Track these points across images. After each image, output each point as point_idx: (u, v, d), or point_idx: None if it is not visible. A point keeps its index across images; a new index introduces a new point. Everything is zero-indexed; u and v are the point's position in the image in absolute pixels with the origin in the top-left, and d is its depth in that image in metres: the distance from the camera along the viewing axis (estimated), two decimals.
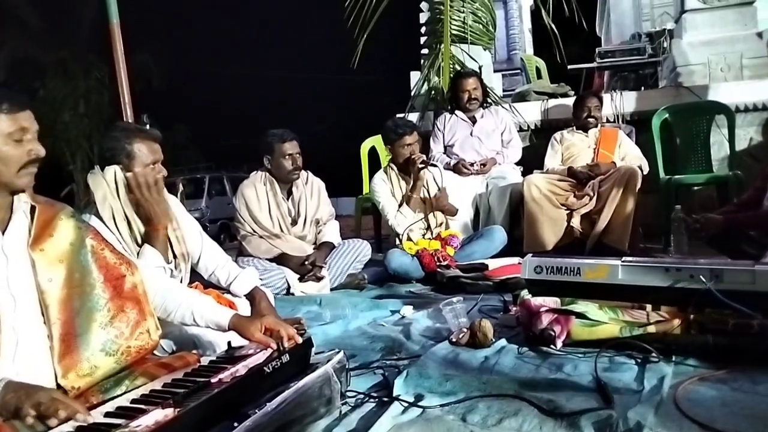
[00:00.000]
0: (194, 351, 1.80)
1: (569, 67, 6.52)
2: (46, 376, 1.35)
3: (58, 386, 1.37)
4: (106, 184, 1.99)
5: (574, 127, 4.32)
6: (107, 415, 1.22)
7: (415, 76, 5.60)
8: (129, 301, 1.54)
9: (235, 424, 1.18)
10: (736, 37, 4.97)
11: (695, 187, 4.47)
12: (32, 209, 1.46)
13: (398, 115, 4.81)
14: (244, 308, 2.20)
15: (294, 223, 3.45)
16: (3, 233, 1.38)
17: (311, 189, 3.52)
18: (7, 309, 1.31)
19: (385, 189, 3.78)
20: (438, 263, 3.36)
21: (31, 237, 1.41)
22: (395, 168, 3.81)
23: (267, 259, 3.28)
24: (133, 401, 1.29)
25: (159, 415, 1.14)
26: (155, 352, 1.63)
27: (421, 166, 3.62)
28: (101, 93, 16.60)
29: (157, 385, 1.38)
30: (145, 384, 1.41)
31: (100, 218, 1.95)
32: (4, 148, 1.35)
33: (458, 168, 4.24)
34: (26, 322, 1.35)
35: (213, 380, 1.33)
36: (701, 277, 1.77)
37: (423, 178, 3.68)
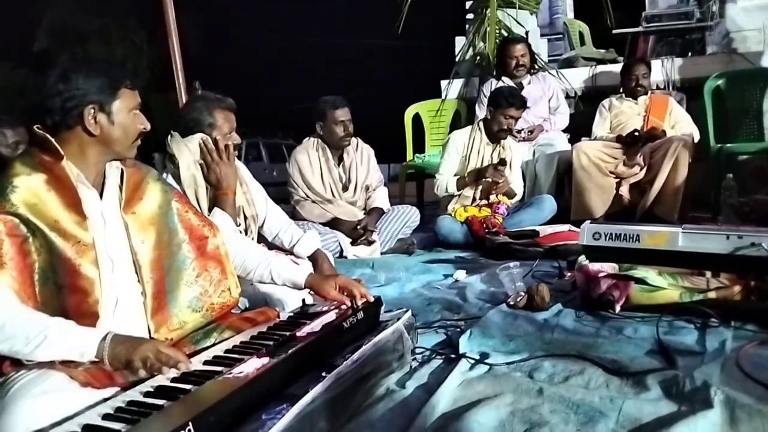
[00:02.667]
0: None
1: (614, 31, 6.38)
2: (141, 331, 1.46)
3: (151, 339, 1.48)
4: (188, 151, 2.08)
5: (623, 94, 4.27)
6: (206, 363, 1.32)
7: (459, 42, 5.56)
8: (212, 261, 1.64)
9: (324, 374, 1.27)
10: None
11: (746, 156, 4.39)
12: (121, 173, 1.55)
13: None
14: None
15: (345, 188, 3.53)
16: (101, 197, 1.47)
17: (361, 155, 3.58)
18: (106, 270, 1.41)
19: (458, 146, 3.75)
20: (487, 230, 3.41)
21: (123, 200, 1.50)
22: (483, 131, 3.76)
23: (320, 223, 3.37)
24: (227, 351, 1.39)
25: (256, 363, 1.23)
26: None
27: (499, 166, 3.61)
28: (139, 58, 16.80)
29: (244, 337, 1.48)
30: (232, 336, 1.51)
31: (179, 183, 2.05)
32: (127, 120, 1.46)
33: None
34: (123, 282, 1.45)
35: (299, 334, 1.42)
36: (763, 245, 1.78)
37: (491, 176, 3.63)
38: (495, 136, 3.70)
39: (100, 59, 1.71)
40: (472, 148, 3.73)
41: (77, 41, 16.42)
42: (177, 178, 2.05)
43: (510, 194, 3.74)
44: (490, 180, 3.59)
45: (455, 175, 3.74)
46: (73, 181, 1.39)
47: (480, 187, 3.67)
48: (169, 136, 2.13)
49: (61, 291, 1.32)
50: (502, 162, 3.61)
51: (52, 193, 1.35)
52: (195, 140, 2.11)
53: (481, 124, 3.80)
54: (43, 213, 1.33)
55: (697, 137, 3.94)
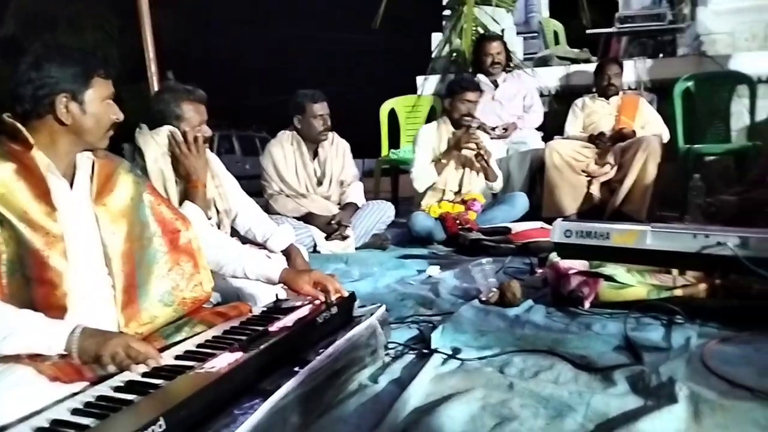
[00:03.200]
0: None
1: (588, 31, 6.46)
2: (110, 324, 1.44)
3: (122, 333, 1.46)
4: (155, 144, 2.05)
5: (596, 94, 4.33)
6: (177, 357, 1.31)
7: (436, 38, 5.57)
8: (184, 255, 1.62)
9: (297, 369, 1.27)
10: (763, 5, 4.90)
11: (714, 157, 4.50)
12: (92, 164, 1.53)
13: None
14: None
15: (319, 183, 3.52)
16: (71, 188, 1.44)
17: (336, 150, 3.58)
18: (75, 262, 1.38)
19: (428, 140, 3.75)
20: (460, 226, 3.43)
21: (94, 192, 1.48)
22: (449, 122, 3.77)
23: (294, 218, 3.36)
24: (199, 345, 1.38)
25: (228, 358, 1.23)
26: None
27: (469, 124, 3.62)
28: (110, 46, 16.47)
29: (216, 332, 1.47)
30: (204, 331, 1.49)
31: (147, 175, 2.02)
32: (100, 110, 1.43)
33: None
34: (92, 275, 1.43)
35: (272, 329, 1.42)
36: (729, 244, 1.83)
37: (461, 147, 3.65)
38: (458, 123, 3.70)
39: (74, 47, 1.67)
40: (440, 139, 3.75)
41: (46, 28, 16.02)
42: (145, 171, 2.02)
43: (492, 174, 3.73)
44: (466, 144, 3.60)
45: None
46: (43, 171, 1.37)
47: (462, 174, 3.69)
48: (138, 129, 2.10)
49: (29, 283, 1.30)
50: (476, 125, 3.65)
51: (21, 183, 1.32)
52: (162, 132, 2.08)
53: (445, 116, 3.82)
54: (12, 203, 1.30)
55: (666, 137, 4.02)
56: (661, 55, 5.71)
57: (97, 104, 1.43)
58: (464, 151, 3.66)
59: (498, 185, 3.82)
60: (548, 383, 1.44)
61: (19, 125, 1.36)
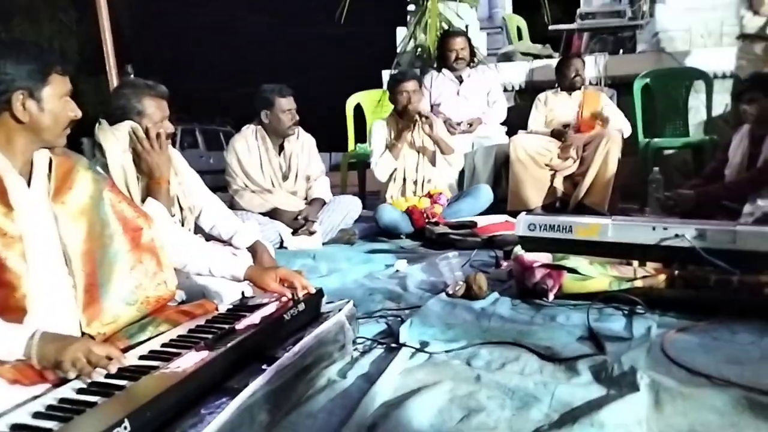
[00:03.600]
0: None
1: (550, 27, 6.55)
2: (71, 325, 1.41)
3: (83, 334, 1.43)
4: (116, 140, 2.01)
5: (559, 89, 4.39)
6: (142, 357, 1.29)
7: (401, 33, 5.59)
8: (147, 253, 1.59)
9: (264, 367, 1.26)
10: (718, 4, 5.05)
11: (672, 151, 4.62)
12: (50, 162, 1.48)
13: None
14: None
15: (285, 178, 3.49)
16: (28, 186, 1.40)
17: (302, 145, 3.55)
18: (34, 263, 1.34)
19: (381, 133, 3.81)
20: (427, 220, 3.46)
21: (52, 190, 1.44)
22: (396, 116, 3.82)
23: (260, 213, 3.33)
24: (164, 345, 1.36)
25: (194, 357, 1.21)
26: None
27: (416, 117, 3.66)
28: (67, 38, 16.05)
29: (181, 330, 1.45)
30: (168, 330, 1.47)
31: (108, 173, 1.97)
32: (57, 108, 1.39)
33: (445, 127, 4.30)
34: (52, 275, 1.39)
35: (238, 326, 1.41)
36: (686, 236, 1.88)
37: (410, 128, 3.72)
38: (404, 114, 3.74)
39: (31, 42, 1.61)
40: (391, 131, 3.81)
41: (1, 19, 15.51)
42: (105, 167, 1.98)
43: (447, 148, 3.78)
44: (411, 113, 3.66)
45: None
46: None
47: (417, 160, 3.74)
48: (97, 124, 2.05)
49: None
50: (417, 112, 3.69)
51: None
52: (123, 128, 2.03)
53: (393, 112, 3.87)
54: None
55: (628, 132, 4.11)
56: (621, 51, 5.84)
57: (55, 101, 1.39)
58: (415, 134, 3.71)
59: (455, 160, 3.86)
60: (514, 374, 1.46)
61: None
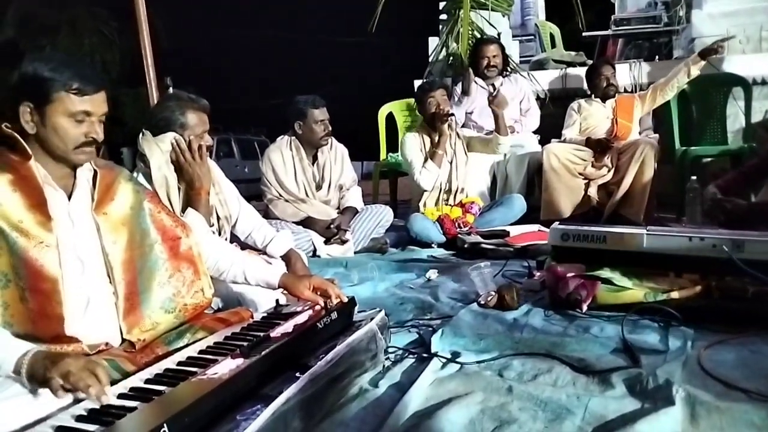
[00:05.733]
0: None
1: (584, 34, 6.49)
2: (113, 332, 1.46)
3: (123, 341, 1.48)
4: (160, 151, 2.06)
5: (592, 96, 4.34)
6: (180, 364, 1.32)
7: (433, 42, 5.60)
8: (185, 261, 1.64)
9: (298, 375, 1.28)
10: (757, 8, 4.94)
11: (710, 159, 4.52)
12: (94, 174, 1.54)
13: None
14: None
15: (318, 188, 3.53)
16: (69, 199, 1.45)
17: (335, 155, 3.59)
18: (74, 271, 1.39)
19: (415, 144, 3.80)
20: (458, 229, 3.45)
21: (95, 201, 1.49)
22: (426, 126, 3.83)
23: (293, 222, 3.37)
24: (201, 352, 1.39)
25: (231, 364, 1.24)
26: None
27: (445, 118, 3.66)
28: (109, 50, 16.49)
29: (218, 338, 1.49)
30: (205, 337, 1.51)
31: (150, 182, 2.03)
32: (64, 125, 1.39)
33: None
34: (94, 283, 1.44)
35: (273, 334, 1.44)
36: (724, 246, 1.85)
37: (447, 133, 3.72)
38: (433, 124, 3.74)
39: (62, 56, 1.63)
40: (423, 142, 3.81)
41: (45, 32, 16.02)
42: (148, 177, 2.03)
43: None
44: (444, 119, 3.68)
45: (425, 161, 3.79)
46: (39, 181, 1.38)
47: (449, 169, 3.76)
48: (141, 135, 2.11)
49: (24, 294, 1.30)
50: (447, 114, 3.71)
51: (17, 194, 1.34)
52: (167, 139, 2.09)
53: (423, 123, 3.88)
54: (7, 214, 1.31)
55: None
56: (657, 57, 5.74)
57: (59, 119, 1.38)
58: (445, 148, 3.74)
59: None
60: (546, 386, 1.46)
61: (17, 135, 1.37)
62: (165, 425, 0.97)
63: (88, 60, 16.24)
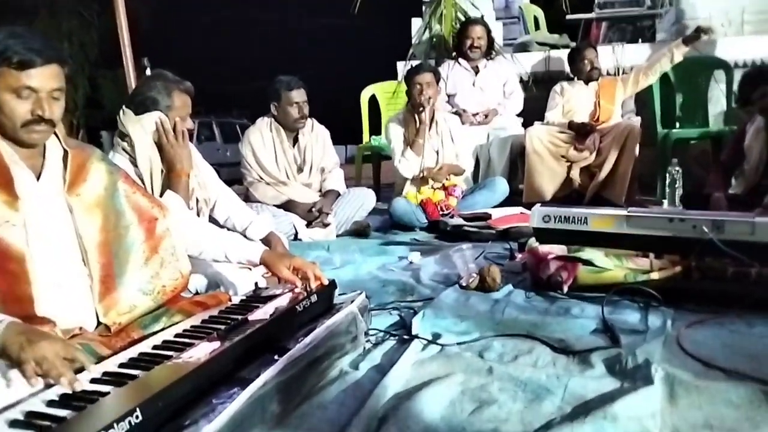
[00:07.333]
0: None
1: (568, 17, 6.48)
2: (88, 316, 1.43)
3: (98, 324, 1.45)
4: (143, 131, 2.02)
5: (575, 79, 4.34)
6: (155, 347, 1.30)
7: (416, 23, 5.55)
8: (161, 243, 1.60)
9: (276, 357, 1.26)
10: None
11: (691, 141, 4.55)
12: (65, 154, 1.49)
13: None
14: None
15: (300, 170, 3.50)
16: (38, 179, 1.41)
17: (317, 137, 3.55)
18: (41, 253, 1.34)
19: (398, 130, 3.77)
20: (441, 212, 3.44)
21: (67, 183, 1.45)
22: (411, 109, 3.78)
23: (274, 205, 3.34)
24: (177, 335, 1.37)
25: (207, 347, 1.22)
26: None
27: (420, 108, 3.62)
28: (87, 32, 16.19)
29: (195, 321, 1.46)
30: (182, 320, 1.48)
31: (130, 162, 1.99)
32: (8, 102, 1.32)
33: (461, 119, 4.27)
34: (67, 266, 1.40)
35: (251, 317, 1.41)
36: (703, 227, 1.85)
37: (427, 123, 3.66)
38: (417, 108, 3.69)
39: (8, 28, 1.51)
40: (407, 126, 3.77)
41: (23, 14, 15.66)
42: (128, 156, 1.99)
43: (458, 171, 3.75)
44: (424, 106, 3.62)
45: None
46: (6, 160, 1.34)
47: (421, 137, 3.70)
48: (121, 113, 2.06)
49: None
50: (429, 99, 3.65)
51: None
52: (151, 119, 2.04)
53: (408, 106, 3.82)
54: None
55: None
56: (640, 40, 5.75)
57: (2, 95, 1.31)
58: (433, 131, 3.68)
59: (465, 167, 3.83)
60: (527, 367, 1.45)
61: None
62: (138, 409, 0.95)
63: (66, 41, 15.92)
